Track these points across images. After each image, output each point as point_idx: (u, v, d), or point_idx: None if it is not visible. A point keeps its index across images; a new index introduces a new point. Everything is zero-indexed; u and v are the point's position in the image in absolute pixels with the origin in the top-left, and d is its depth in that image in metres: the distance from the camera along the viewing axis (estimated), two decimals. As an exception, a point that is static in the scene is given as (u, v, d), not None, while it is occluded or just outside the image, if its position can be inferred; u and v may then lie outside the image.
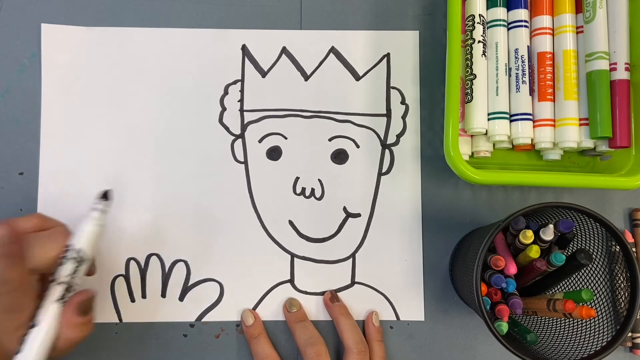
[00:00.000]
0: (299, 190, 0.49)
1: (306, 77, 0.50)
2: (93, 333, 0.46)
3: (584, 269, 0.44)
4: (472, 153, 0.49)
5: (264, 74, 0.50)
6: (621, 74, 0.45)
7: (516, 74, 0.47)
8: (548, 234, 0.39)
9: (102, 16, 0.50)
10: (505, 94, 0.47)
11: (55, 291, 0.37)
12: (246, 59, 0.50)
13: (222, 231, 0.48)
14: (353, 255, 0.49)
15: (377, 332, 0.46)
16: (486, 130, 0.47)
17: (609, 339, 0.39)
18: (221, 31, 0.50)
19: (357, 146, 0.50)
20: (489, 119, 0.47)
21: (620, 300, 0.45)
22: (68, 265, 0.37)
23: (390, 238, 0.49)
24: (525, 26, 0.48)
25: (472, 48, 0.47)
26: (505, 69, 0.47)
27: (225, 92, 0.50)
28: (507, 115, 0.47)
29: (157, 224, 0.48)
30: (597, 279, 0.44)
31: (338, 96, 0.50)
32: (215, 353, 0.47)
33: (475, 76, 0.47)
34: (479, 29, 0.47)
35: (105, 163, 0.48)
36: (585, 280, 0.44)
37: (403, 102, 0.50)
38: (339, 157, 0.50)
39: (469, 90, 0.47)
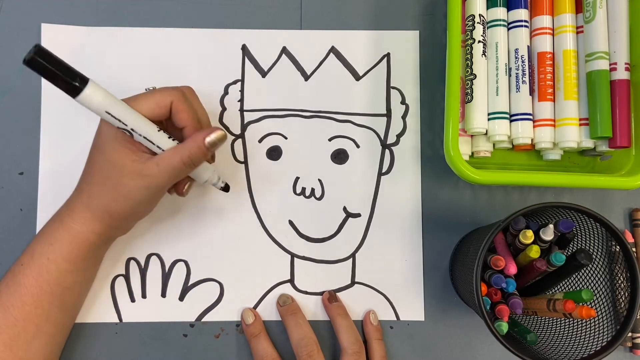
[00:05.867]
0: (299, 190, 0.49)
1: (306, 77, 0.50)
2: (93, 333, 0.46)
3: (584, 269, 0.44)
4: (472, 153, 0.49)
5: (264, 74, 0.50)
6: (621, 74, 0.45)
7: (516, 74, 0.47)
8: (548, 234, 0.39)
9: (102, 16, 0.50)
10: (505, 94, 0.47)
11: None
12: (246, 59, 0.50)
13: (222, 231, 0.48)
14: (353, 255, 0.49)
15: (376, 331, 0.46)
16: (486, 130, 0.47)
17: (609, 339, 0.39)
18: (221, 31, 0.50)
19: (357, 146, 0.50)
20: (489, 119, 0.47)
21: (620, 300, 0.45)
22: None
23: (390, 238, 0.49)
24: (525, 26, 0.48)
25: (472, 48, 0.47)
26: (505, 69, 0.47)
27: (225, 92, 0.50)
28: (507, 115, 0.47)
29: (157, 224, 0.48)
30: (597, 279, 0.44)
31: (338, 96, 0.50)
32: (215, 353, 0.47)
33: (475, 76, 0.47)
34: (479, 29, 0.47)
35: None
36: (585, 280, 0.44)
37: (403, 102, 0.50)
38: (339, 157, 0.50)
39: (469, 90, 0.47)
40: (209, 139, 0.39)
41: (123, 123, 0.38)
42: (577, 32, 0.48)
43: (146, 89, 0.41)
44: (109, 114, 0.37)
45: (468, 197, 0.50)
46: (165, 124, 0.42)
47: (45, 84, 0.49)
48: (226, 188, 0.45)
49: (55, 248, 0.40)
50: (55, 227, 0.41)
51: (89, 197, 0.40)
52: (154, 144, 0.39)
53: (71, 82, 0.35)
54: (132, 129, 0.38)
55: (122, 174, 0.39)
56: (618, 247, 0.40)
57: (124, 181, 0.39)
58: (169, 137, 0.40)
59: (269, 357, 0.44)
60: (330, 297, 0.47)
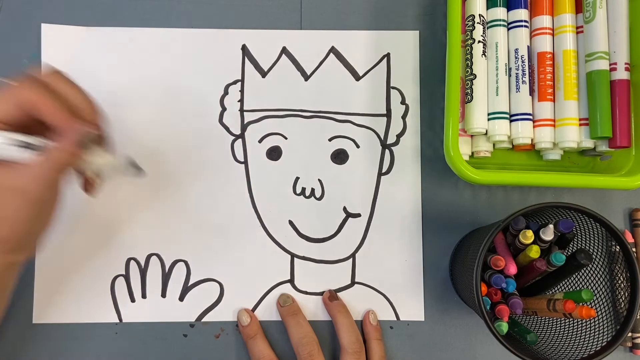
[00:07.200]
0: (299, 190, 0.49)
1: (306, 77, 0.50)
2: (93, 333, 0.46)
3: (584, 269, 0.44)
4: (472, 153, 0.49)
5: (264, 74, 0.50)
6: (621, 74, 0.45)
7: (516, 74, 0.47)
8: (548, 234, 0.39)
9: (102, 16, 0.50)
10: (505, 94, 0.47)
11: None
12: (246, 59, 0.50)
13: (222, 231, 0.48)
14: (353, 255, 0.49)
15: (375, 331, 0.46)
16: (486, 130, 0.47)
17: (609, 339, 0.39)
18: (221, 31, 0.50)
19: (357, 146, 0.50)
20: (489, 119, 0.47)
21: (620, 300, 0.45)
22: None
23: (390, 238, 0.49)
24: (525, 26, 0.48)
25: (472, 48, 0.47)
26: (505, 69, 0.47)
27: (225, 92, 0.50)
28: (507, 115, 0.47)
29: (157, 224, 0.48)
30: (597, 279, 0.44)
31: (338, 96, 0.50)
32: (215, 353, 0.47)
33: (475, 76, 0.47)
34: (479, 29, 0.47)
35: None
36: (585, 280, 0.44)
37: (403, 102, 0.50)
38: (339, 157, 0.50)
39: (469, 90, 0.47)
40: (76, 140, 0.34)
41: None
42: (577, 32, 0.48)
43: None
44: None
45: (468, 197, 0.50)
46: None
47: (45, 84, 0.49)
48: (138, 171, 0.40)
49: None
50: None
51: None
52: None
53: None
54: None
55: None
56: (618, 247, 0.40)
57: (3, 203, 0.34)
58: (20, 146, 0.34)
59: (265, 358, 0.44)
60: (331, 296, 0.47)
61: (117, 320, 0.47)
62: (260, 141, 0.49)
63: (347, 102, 0.50)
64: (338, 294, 0.48)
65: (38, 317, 0.46)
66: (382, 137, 0.50)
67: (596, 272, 0.44)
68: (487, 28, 0.48)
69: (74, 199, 0.48)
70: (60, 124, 0.35)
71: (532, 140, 0.48)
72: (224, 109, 0.50)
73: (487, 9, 0.48)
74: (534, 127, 0.47)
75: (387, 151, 0.50)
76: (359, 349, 0.44)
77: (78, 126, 0.35)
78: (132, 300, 0.47)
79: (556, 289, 0.45)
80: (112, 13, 0.50)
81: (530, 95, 0.47)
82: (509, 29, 0.48)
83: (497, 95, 0.47)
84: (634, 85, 0.46)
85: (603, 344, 0.39)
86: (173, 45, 0.50)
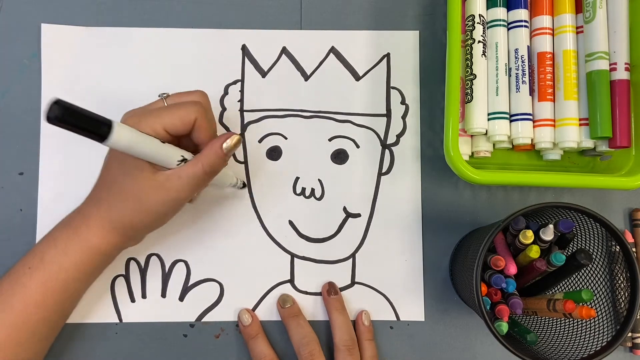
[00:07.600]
0: (299, 190, 0.49)
1: (306, 77, 0.50)
2: (93, 333, 0.46)
3: (584, 269, 0.44)
4: (472, 153, 0.49)
5: (264, 74, 0.50)
6: (621, 74, 0.45)
7: (516, 74, 0.47)
8: (548, 234, 0.39)
9: (102, 16, 0.50)
10: (505, 94, 0.47)
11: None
12: (246, 59, 0.50)
13: (222, 231, 0.48)
14: (353, 255, 0.49)
15: (367, 331, 0.46)
16: (486, 130, 0.47)
17: (609, 339, 0.39)
18: (221, 31, 0.50)
19: (357, 146, 0.50)
20: (489, 119, 0.47)
21: (620, 300, 0.45)
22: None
23: (390, 238, 0.49)
24: (525, 26, 0.48)
25: (472, 48, 0.47)
26: (505, 69, 0.47)
27: (225, 92, 0.50)
28: (507, 115, 0.47)
29: (157, 224, 0.48)
30: (597, 279, 0.44)
31: (338, 96, 0.50)
32: (215, 353, 0.47)
33: (475, 76, 0.47)
34: (479, 29, 0.47)
35: (105, 163, 0.48)
36: (585, 280, 0.44)
37: (403, 102, 0.50)
38: (339, 157, 0.50)
39: (469, 90, 0.47)
40: (226, 144, 0.39)
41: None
42: (577, 32, 0.48)
43: (160, 96, 0.41)
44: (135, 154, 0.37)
45: (468, 197, 0.50)
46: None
47: (45, 84, 0.49)
48: (244, 186, 0.48)
49: (70, 258, 0.39)
50: (69, 236, 0.40)
51: (109, 209, 0.39)
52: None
53: (98, 131, 0.34)
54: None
55: (144, 188, 0.38)
56: (618, 247, 0.40)
57: (147, 195, 0.38)
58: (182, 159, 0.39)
59: (267, 358, 0.44)
60: (330, 289, 0.47)
61: (117, 320, 0.47)
62: (260, 141, 0.50)
63: (347, 102, 0.50)
64: (338, 294, 0.48)
65: (38, 317, 0.46)
66: (382, 137, 0.50)
67: (596, 272, 0.44)
68: (487, 28, 0.48)
69: (73, 199, 0.48)
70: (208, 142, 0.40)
71: (532, 140, 0.48)
72: (224, 109, 0.50)
73: (487, 9, 0.48)
74: (534, 127, 0.47)
75: (387, 151, 0.50)
76: (351, 346, 0.44)
77: (229, 133, 0.39)
78: (132, 300, 0.47)
79: (556, 289, 0.46)
80: (112, 13, 0.50)
81: (530, 95, 0.47)
82: (509, 29, 0.48)
83: (497, 95, 0.47)
84: (634, 85, 0.46)
85: (603, 344, 0.39)
86: (173, 45, 0.50)
